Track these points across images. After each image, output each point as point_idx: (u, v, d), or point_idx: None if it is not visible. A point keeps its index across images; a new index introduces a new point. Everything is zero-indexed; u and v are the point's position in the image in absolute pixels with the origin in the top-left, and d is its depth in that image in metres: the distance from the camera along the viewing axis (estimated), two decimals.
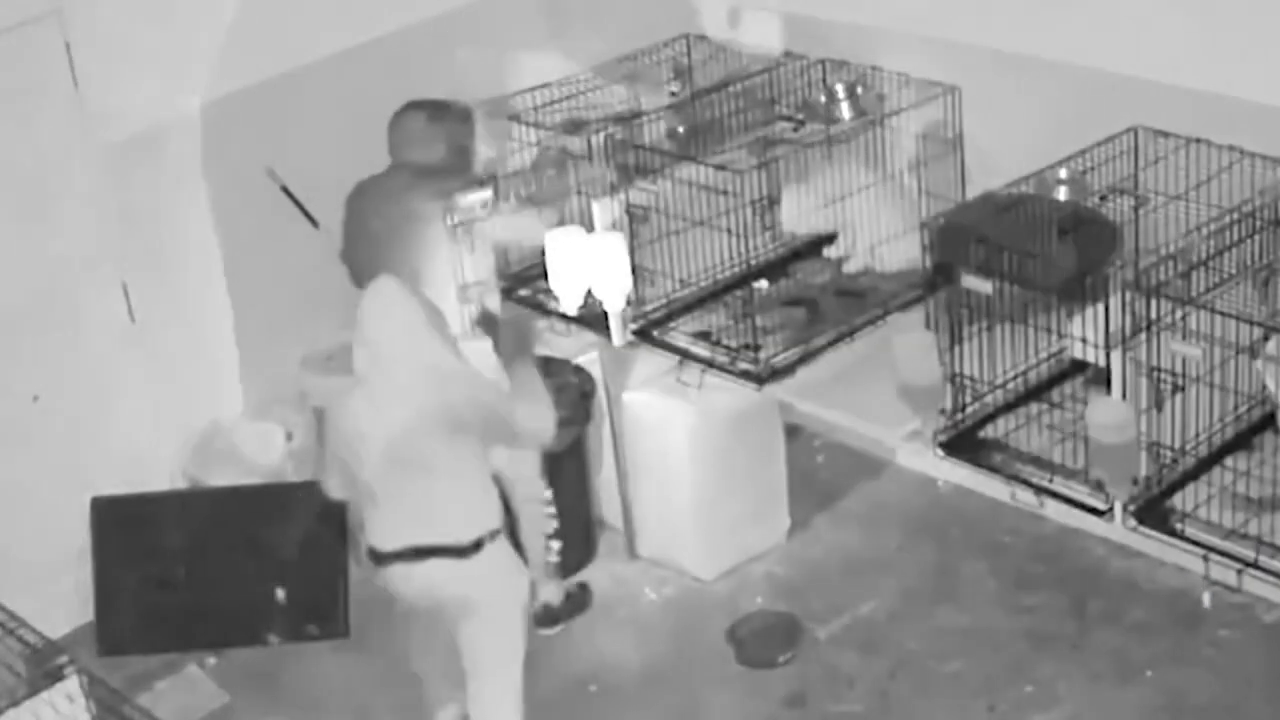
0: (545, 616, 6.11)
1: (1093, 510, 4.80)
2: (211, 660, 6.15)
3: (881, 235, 5.73)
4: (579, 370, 6.29)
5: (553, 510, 6.04)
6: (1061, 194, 5.10)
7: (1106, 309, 4.55)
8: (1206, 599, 5.68)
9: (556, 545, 6.08)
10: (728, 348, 5.59)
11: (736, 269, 5.73)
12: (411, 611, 5.28)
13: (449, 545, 4.93)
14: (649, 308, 5.77)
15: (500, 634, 5.12)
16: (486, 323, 5.47)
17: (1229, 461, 4.77)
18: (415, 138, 5.59)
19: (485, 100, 5.99)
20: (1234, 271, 4.69)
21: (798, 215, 5.86)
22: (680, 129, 5.96)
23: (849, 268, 5.85)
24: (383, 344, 4.84)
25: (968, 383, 5.00)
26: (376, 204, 5.58)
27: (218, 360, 6.44)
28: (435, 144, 5.59)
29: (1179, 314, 4.51)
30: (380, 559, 5.04)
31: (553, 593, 6.11)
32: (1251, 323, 4.51)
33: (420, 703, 5.87)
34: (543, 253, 5.77)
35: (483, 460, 4.98)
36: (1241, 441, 4.82)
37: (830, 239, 5.92)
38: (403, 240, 5.50)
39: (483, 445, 4.96)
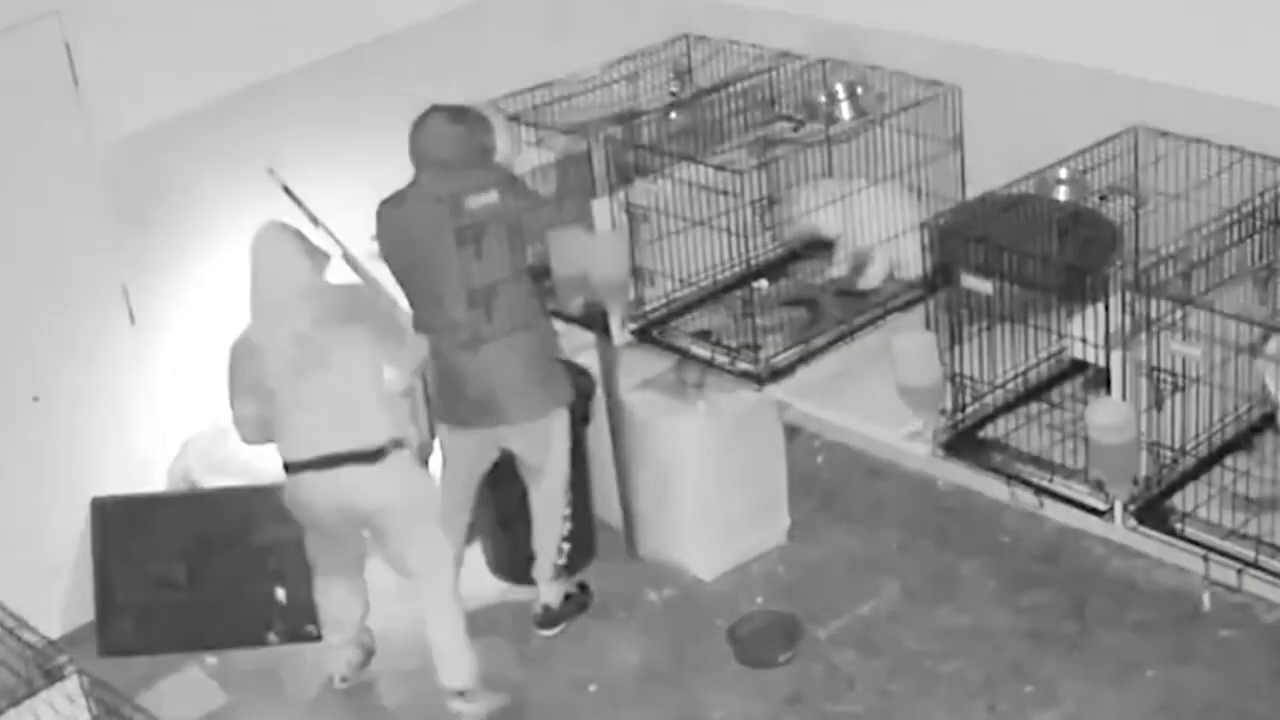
0: (545, 618, 6.11)
1: (1093, 510, 4.80)
2: (211, 660, 6.15)
3: (895, 244, 5.70)
4: (579, 370, 6.30)
5: (568, 513, 6.05)
6: (1061, 194, 5.10)
7: (1106, 309, 4.55)
8: (1206, 599, 5.69)
9: (566, 548, 6.08)
10: (728, 348, 5.59)
11: (736, 269, 5.72)
12: (320, 537, 5.71)
13: (356, 450, 5.38)
14: (649, 308, 5.77)
15: (422, 539, 5.55)
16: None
17: (1229, 461, 4.77)
18: (441, 140, 5.58)
19: (484, 101, 5.98)
20: (1234, 271, 4.68)
21: (806, 212, 5.83)
22: (680, 129, 5.96)
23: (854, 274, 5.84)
24: (273, 267, 5.45)
25: (968, 383, 5.00)
26: (417, 208, 5.58)
27: (218, 360, 6.43)
28: (459, 144, 5.59)
29: (1179, 314, 4.51)
30: (291, 468, 5.49)
31: (553, 594, 6.11)
32: (1252, 323, 4.51)
33: (417, 703, 5.89)
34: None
35: (378, 371, 5.43)
36: (1241, 441, 4.82)
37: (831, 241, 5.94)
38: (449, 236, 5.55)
39: (377, 349, 5.41)
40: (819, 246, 5.98)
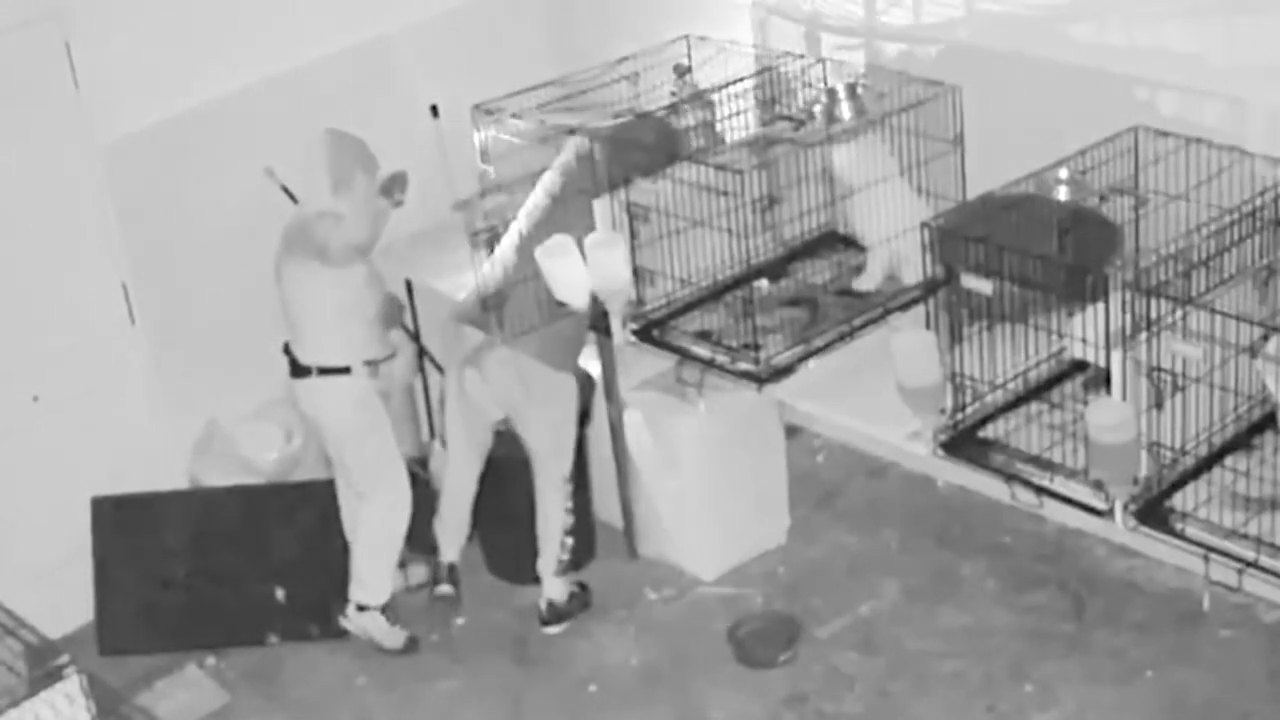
0: (550, 614, 6.11)
1: (1093, 510, 4.80)
2: (211, 660, 6.15)
3: (903, 243, 5.68)
4: (580, 370, 6.29)
5: (570, 505, 6.05)
6: (1061, 194, 5.09)
7: (1106, 309, 4.55)
8: (1206, 599, 5.69)
9: (570, 542, 6.08)
10: (728, 347, 5.59)
11: (736, 269, 5.72)
12: None
13: (293, 359, 5.81)
14: (649, 308, 5.77)
15: (359, 465, 5.90)
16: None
17: (1229, 461, 4.76)
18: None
19: (485, 101, 5.99)
20: (1234, 271, 4.68)
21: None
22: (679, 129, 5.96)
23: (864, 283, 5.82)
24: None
25: (968, 383, 5.00)
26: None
27: (218, 360, 6.44)
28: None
29: (1179, 314, 4.51)
30: None
31: (557, 590, 6.11)
32: (1251, 323, 4.51)
33: (418, 701, 5.89)
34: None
35: (324, 305, 5.69)
36: (1241, 441, 4.82)
37: (837, 238, 5.94)
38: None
39: (314, 277, 5.64)
40: (822, 245, 5.99)
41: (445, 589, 6.19)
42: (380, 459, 5.92)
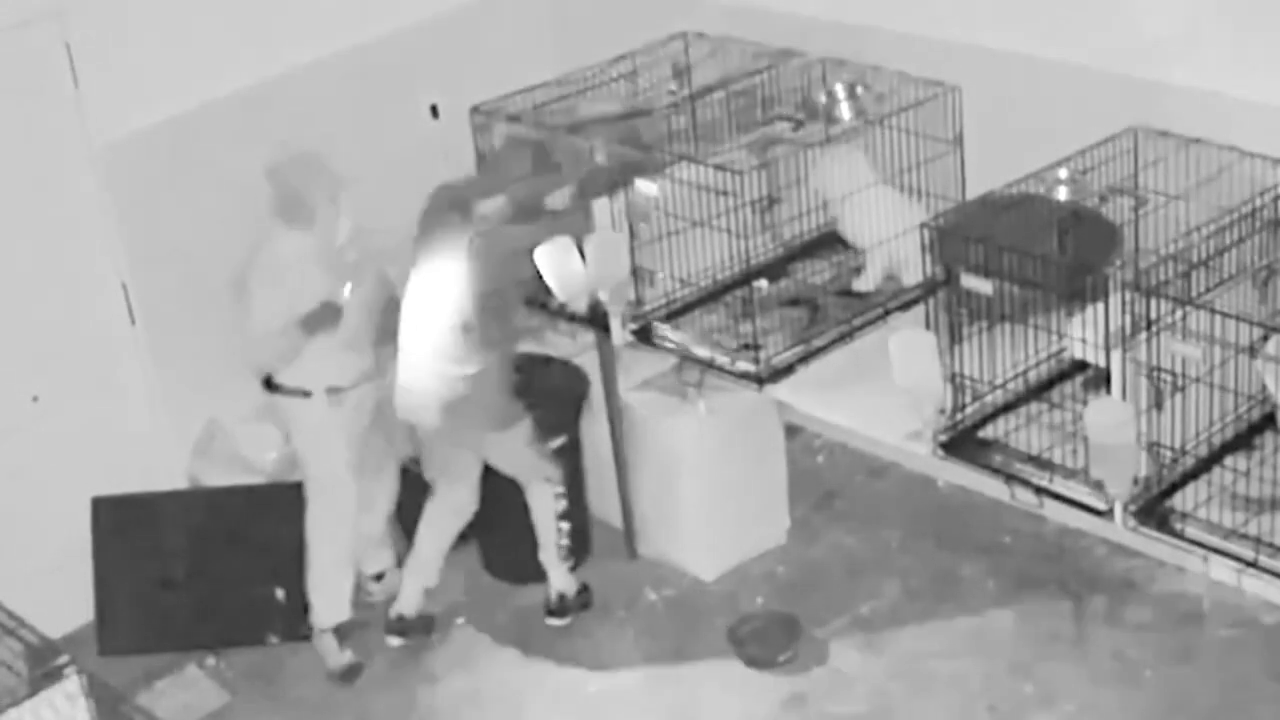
0: (558, 606, 6.10)
1: (1093, 510, 4.80)
2: (211, 660, 6.15)
3: (900, 245, 5.68)
4: (575, 370, 6.30)
5: (561, 490, 6.02)
6: (1061, 194, 5.10)
7: (1106, 309, 4.55)
8: (1206, 599, 5.69)
9: (566, 527, 6.06)
10: (728, 348, 5.59)
11: (736, 269, 5.72)
12: None
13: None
14: (649, 308, 5.77)
15: (309, 480, 5.93)
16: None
17: (1229, 461, 4.77)
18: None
19: (485, 100, 5.99)
20: (1234, 272, 4.69)
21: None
22: (680, 129, 5.96)
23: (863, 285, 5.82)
24: None
25: (968, 383, 5.00)
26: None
27: (218, 360, 6.44)
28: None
29: (1179, 314, 4.51)
30: None
31: (569, 584, 6.11)
32: (1251, 323, 4.51)
33: (418, 701, 5.90)
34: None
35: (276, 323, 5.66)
36: (1241, 441, 4.82)
37: (837, 239, 5.94)
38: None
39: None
40: (822, 245, 5.99)
41: (395, 641, 6.08)
42: (320, 483, 5.91)
